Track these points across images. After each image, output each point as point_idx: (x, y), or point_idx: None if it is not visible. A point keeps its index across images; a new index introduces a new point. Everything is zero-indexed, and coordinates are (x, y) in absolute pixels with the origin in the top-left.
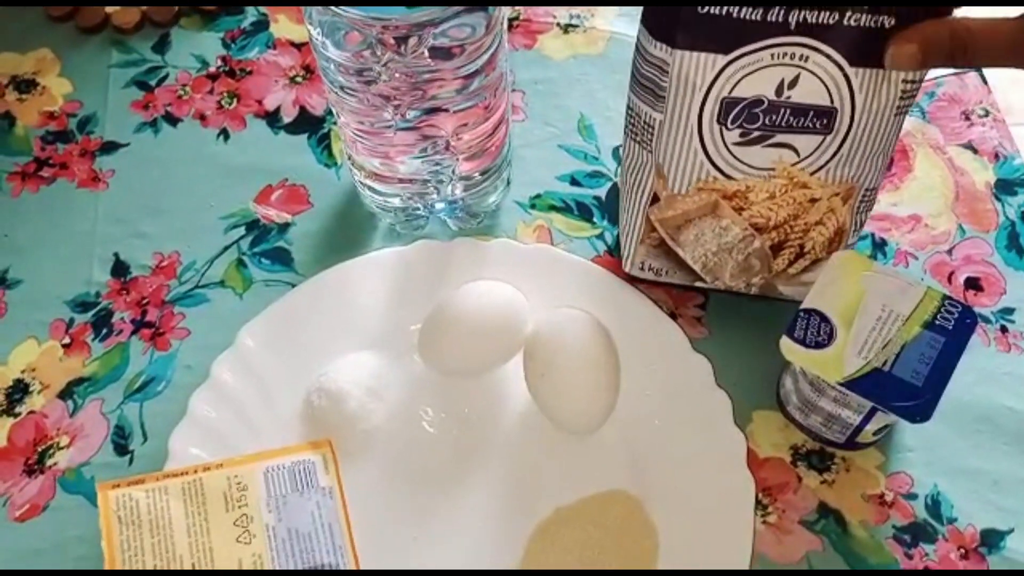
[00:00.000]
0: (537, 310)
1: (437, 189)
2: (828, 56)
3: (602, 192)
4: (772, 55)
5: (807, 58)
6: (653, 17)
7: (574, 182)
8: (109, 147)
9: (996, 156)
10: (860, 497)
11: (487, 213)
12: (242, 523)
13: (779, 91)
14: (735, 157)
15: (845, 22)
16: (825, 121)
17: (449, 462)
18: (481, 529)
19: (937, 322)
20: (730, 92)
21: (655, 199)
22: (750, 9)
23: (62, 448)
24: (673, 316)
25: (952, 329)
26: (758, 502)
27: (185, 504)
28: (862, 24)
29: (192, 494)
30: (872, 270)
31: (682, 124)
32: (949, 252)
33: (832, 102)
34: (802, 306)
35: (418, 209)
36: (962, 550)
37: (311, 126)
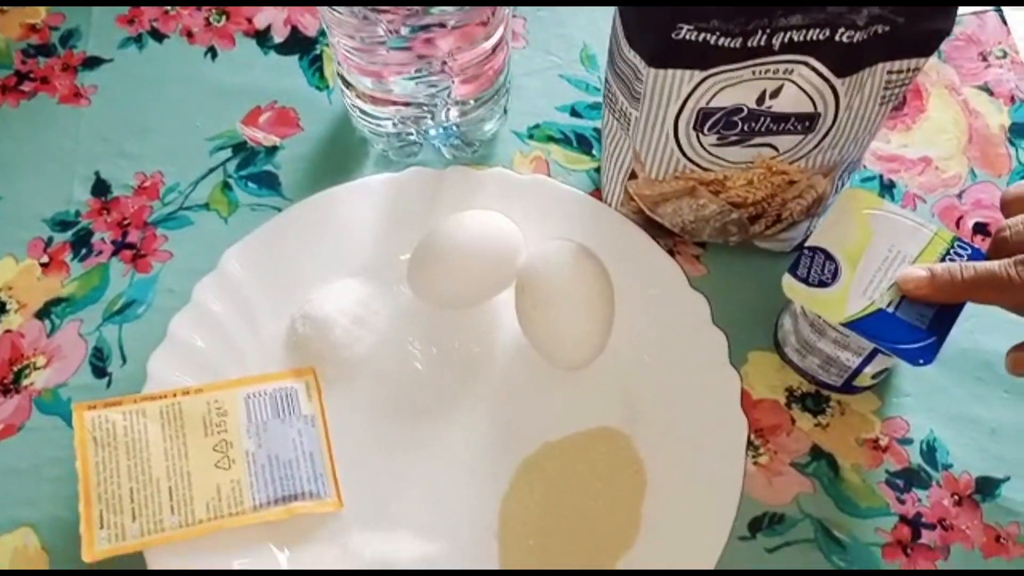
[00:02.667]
0: (531, 242)
1: (432, 113)
2: (815, 70)
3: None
4: (753, 72)
5: (792, 71)
6: (628, 25)
7: (574, 113)
8: (92, 62)
9: (1012, 99)
10: (854, 441)
11: (483, 142)
12: (221, 448)
13: (760, 101)
14: (712, 155)
15: (836, 39)
16: (807, 123)
17: (435, 394)
18: (466, 462)
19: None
20: (707, 103)
21: (633, 175)
22: (729, 39)
23: (38, 368)
24: (671, 253)
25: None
26: (750, 443)
27: (163, 427)
28: (854, 40)
29: (170, 418)
30: (881, 209)
31: (658, 126)
32: (959, 196)
33: (815, 108)
34: (807, 243)
35: (411, 135)
36: (956, 497)
37: (303, 47)
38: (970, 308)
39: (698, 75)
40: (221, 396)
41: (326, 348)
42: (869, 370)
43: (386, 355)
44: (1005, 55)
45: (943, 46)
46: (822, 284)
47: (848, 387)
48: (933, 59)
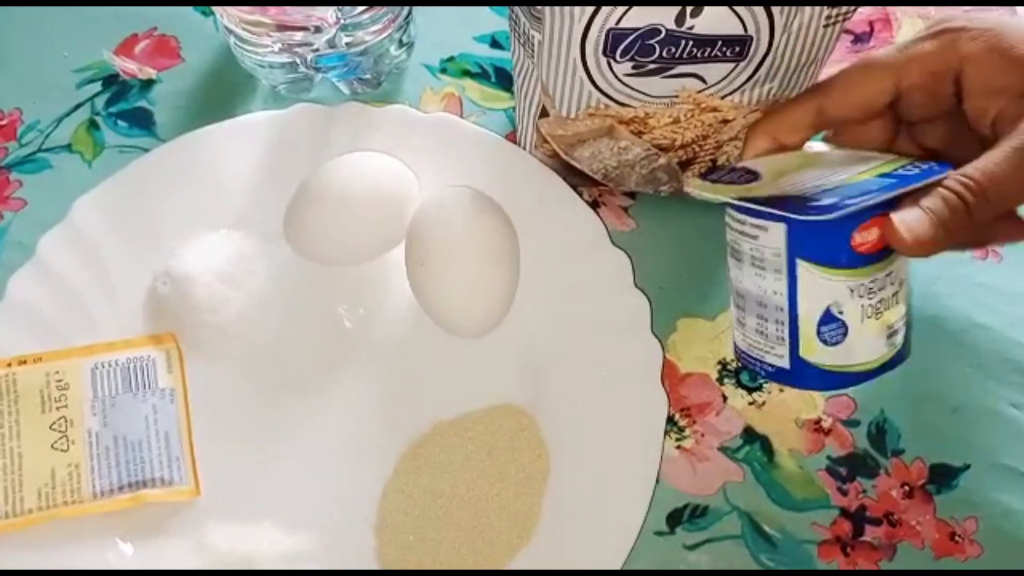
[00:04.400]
0: (430, 190)
1: (328, 42)
2: None
3: None
4: None
5: None
6: None
7: (495, 44)
8: None
9: None
10: (793, 422)
11: (388, 75)
12: (60, 427)
13: (679, 20)
14: (629, 87)
15: None
16: (737, 49)
17: (314, 364)
18: (346, 444)
19: (896, 172)
20: (617, 23)
21: (544, 112)
22: None
23: None
24: (595, 205)
25: (912, 176)
26: (675, 424)
27: None
28: None
29: (3, 391)
30: (829, 149)
31: (563, 52)
32: None
33: (746, 30)
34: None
35: (297, 64)
36: (906, 487)
37: None
38: (934, 271)
39: None
40: (63, 366)
41: (187, 311)
42: (805, 308)
43: (259, 320)
44: None
45: None
46: (732, 183)
47: (800, 364)
48: None
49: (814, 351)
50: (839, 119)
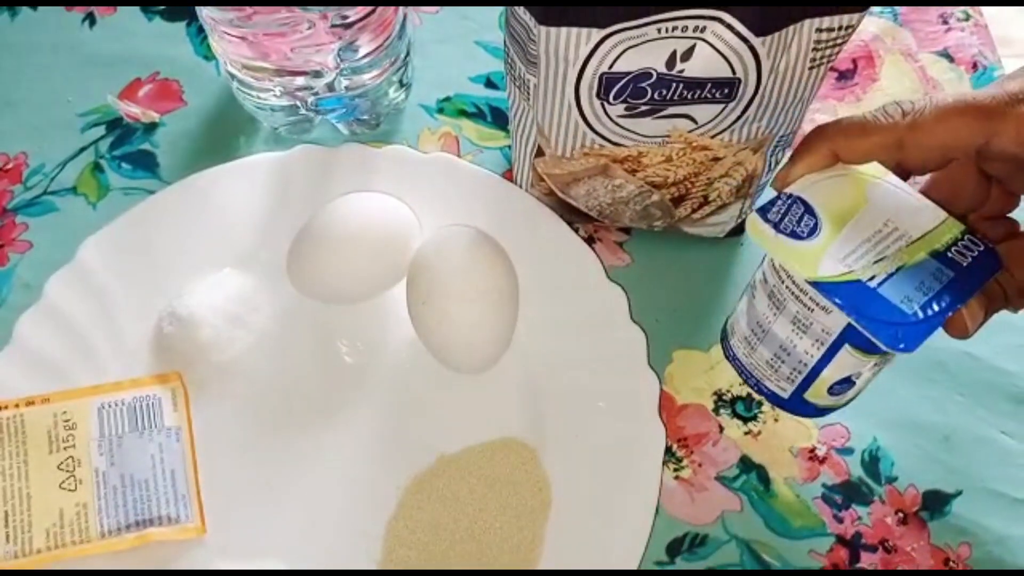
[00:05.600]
0: (430, 229)
1: (316, 85)
2: (730, 27)
3: None
4: (659, 30)
5: (703, 29)
6: None
7: (490, 84)
8: None
9: (974, 66)
10: (788, 451)
11: (386, 116)
12: (67, 467)
13: (670, 64)
14: (622, 127)
15: None
16: (726, 91)
17: (318, 401)
18: (350, 479)
19: (950, 255)
20: (610, 67)
21: (540, 151)
22: None
23: None
24: (591, 240)
25: (967, 267)
26: (672, 454)
27: (2, 443)
28: None
29: (11, 432)
30: (885, 179)
31: (558, 95)
32: None
33: (734, 73)
34: (786, 190)
35: (298, 107)
36: (900, 514)
37: (191, 12)
38: None
39: (596, 34)
40: (70, 407)
41: (194, 350)
42: (829, 373)
43: (263, 358)
44: (968, 17)
45: (899, 8)
46: (795, 236)
47: (798, 400)
48: (888, 22)
49: (818, 397)
50: (916, 159)
